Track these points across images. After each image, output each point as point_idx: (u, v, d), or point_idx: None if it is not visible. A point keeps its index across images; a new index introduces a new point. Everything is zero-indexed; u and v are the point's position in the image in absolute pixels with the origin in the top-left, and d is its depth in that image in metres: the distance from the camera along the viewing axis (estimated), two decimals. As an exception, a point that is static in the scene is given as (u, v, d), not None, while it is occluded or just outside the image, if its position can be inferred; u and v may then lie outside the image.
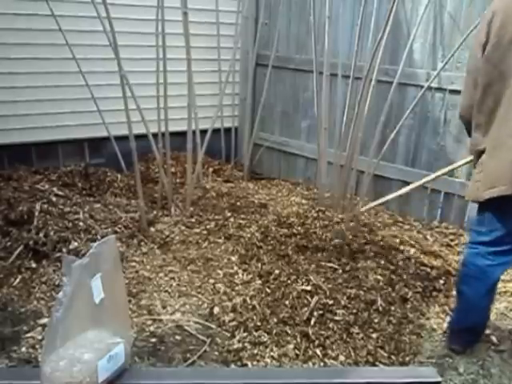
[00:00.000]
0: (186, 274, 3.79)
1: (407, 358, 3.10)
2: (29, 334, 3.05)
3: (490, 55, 2.68)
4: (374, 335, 3.21)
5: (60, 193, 4.57)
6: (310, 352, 3.06)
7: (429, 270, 3.96)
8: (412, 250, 4.24)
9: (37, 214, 4.07)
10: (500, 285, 3.56)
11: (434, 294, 3.72)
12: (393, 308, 3.48)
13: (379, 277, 3.76)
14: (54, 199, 4.40)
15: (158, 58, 4.52)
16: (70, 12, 4.86)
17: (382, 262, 3.96)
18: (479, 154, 2.86)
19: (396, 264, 3.98)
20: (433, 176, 4.20)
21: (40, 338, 3.00)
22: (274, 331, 3.19)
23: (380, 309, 3.43)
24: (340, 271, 3.79)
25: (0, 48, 4.80)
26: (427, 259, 4.14)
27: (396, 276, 3.81)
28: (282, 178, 6.10)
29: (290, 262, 3.88)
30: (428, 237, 4.60)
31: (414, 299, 3.62)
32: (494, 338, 3.30)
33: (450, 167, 4.10)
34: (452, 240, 4.55)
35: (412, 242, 4.39)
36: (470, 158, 3.24)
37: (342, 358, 3.04)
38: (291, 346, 3.09)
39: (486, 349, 3.21)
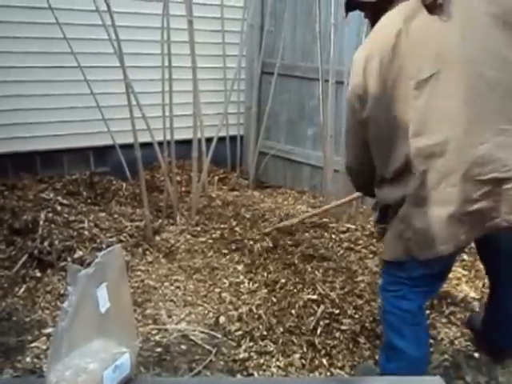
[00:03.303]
0: (192, 284, 3.78)
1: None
2: (33, 344, 3.03)
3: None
4: (381, 345, 3.19)
5: (65, 201, 4.57)
6: (317, 361, 3.04)
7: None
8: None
9: (41, 222, 4.06)
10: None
11: (441, 304, 3.70)
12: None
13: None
14: (58, 208, 4.39)
15: (163, 66, 4.51)
16: (75, 20, 4.85)
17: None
18: (394, 206, 2.44)
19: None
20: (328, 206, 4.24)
21: (45, 347, 2.98)
22: (280, 341, 3.17)
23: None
24: (347, 280, 3.77)
25: (4, 56, 4.80)
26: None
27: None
28: (288, 186, 6.07)
29: (296, 271, 3.85)
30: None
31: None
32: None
33: (338, 202, 4.16)
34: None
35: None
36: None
37: (348, 367, 3.02)
38: (297, 356, 3.06)
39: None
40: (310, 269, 3.88)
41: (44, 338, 3.08)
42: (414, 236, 2.36)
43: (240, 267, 3.96)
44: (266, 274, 3.84)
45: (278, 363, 3.01)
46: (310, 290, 3.60)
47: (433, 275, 2.50)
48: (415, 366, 2.52)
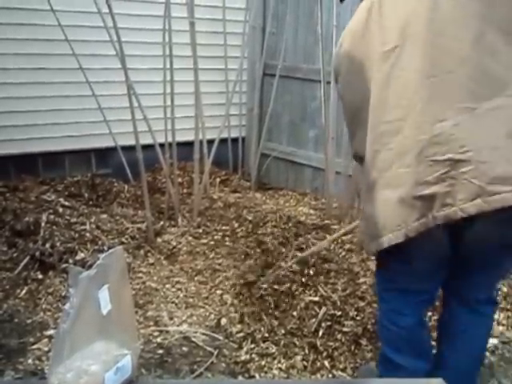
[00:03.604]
0: (193, 285, 3.78)
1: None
2: (35, 346, 3.03)
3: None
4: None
5: (66, 203, 4.56)
6: (318, 363, 3.04)
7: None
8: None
9: (43, 224, 4.06)
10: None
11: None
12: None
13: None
14: (60, 210, 4.39)
15: (164, 67, 4.52)
16: (76, 22, 4.86)
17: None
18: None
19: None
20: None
21: (46, 349, 2.98)
22: (282, 342, 3.16)
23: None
24: (348, 282, 3.76)
25: (7, 58, 4.81)
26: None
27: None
28: (290, 188, 6.06)
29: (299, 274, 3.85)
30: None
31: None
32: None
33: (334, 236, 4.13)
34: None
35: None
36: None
37: (350, 369, 3.02)
38: (299, 358, 3.06)
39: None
40: (311, 271, 3.87)
41: (46, 340, 3.08)
42: (364, 225, 2.30)
43: (242, 269, 3.96)
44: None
45: (279, 365, 3.01)
46: (311, 292, 3.60)
47: (415, 272, 2.31)
48: (417, 375, 2.33)
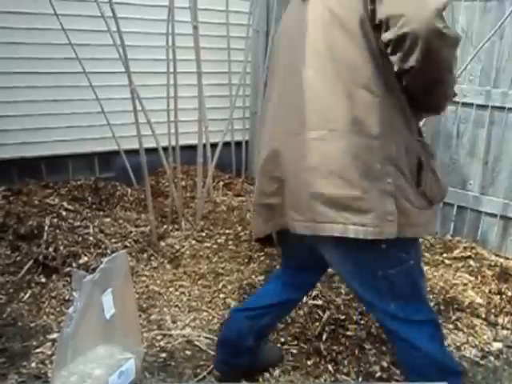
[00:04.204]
0: (197, 289, 3.77)
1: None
2: (38, 350, 3.02)
3: None
4: (387, 351, 3.17)
5: (70, 207, 4.57)
6: (322, 367, 3.02)
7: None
8: (425, 268, 4.21)
9: (46, 228, 4.06)
10: None
11: (448, 310, 3.68)
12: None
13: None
14: (63, 213, 4.39)
15: (168, 71, 4.51)
16: (80, 26, 4.86)
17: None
18: None
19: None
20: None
21: (50, 353, 2.98)
22: (285, 346, 3.16)
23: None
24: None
25: (10, 62, 4.81)
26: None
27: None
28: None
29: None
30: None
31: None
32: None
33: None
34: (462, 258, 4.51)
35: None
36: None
37: (353, 373, 3.01)
38: (302, 361, 3.05)
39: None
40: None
41: (49, 344, 3.08)
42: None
43: (245, 272, 3.95)
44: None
45: (282, 369, 3.00)
46: (315, 296, 3.59)
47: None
48: None
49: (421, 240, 4.55)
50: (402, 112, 2.06)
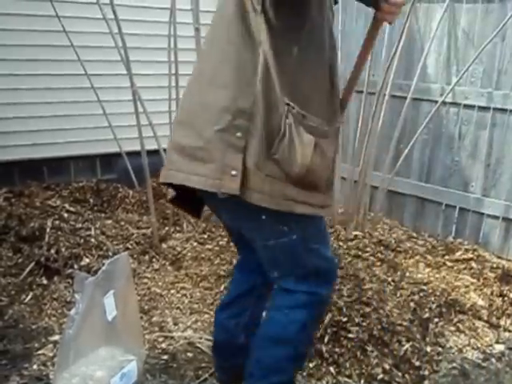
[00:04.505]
0: (198, 291, 3.77)
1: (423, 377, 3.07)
2: (40, 351, 3.02)
3: None
4: (389, 353, 3.16)
5: (71, 209, 4.57)
6: (324, 369, 3.02)
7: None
8: (427, 270, 4.22)
9: (48, 230, 4.06)
10: None
11: (449, 312, 3.68)
12: (405, 323, 3.43)
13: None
14: (65, 215, 4.39)
15: (170, 73, 4.51)
16: (82, 28, 4.86)
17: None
18: None
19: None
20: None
21: (52, 355, 2.97)
22: (288, 349, 3.15)
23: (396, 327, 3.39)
24: (354, 288, 3.75)
25: (11, 64, 4.82)
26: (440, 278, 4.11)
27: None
28: (295, 193, 6.03)
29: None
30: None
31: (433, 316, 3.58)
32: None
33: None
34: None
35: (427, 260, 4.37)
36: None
37: (355, 376, 3.00)
38: (305, 364, 3.05)
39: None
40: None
41: (51, 346, 3.07)
42: None
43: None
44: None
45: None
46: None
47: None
48: None
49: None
50: (266, 67, 1.97)
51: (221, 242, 4.44)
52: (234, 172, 1.95)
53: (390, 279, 3.91)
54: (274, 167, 1.99)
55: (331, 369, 3.03)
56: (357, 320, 3.37)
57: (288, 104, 1.97)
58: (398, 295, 3.73)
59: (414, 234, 4.95)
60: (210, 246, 4.38)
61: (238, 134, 1.96)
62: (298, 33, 1.98)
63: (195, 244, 4.41)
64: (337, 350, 3.15)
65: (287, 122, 1.96)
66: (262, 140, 1.96)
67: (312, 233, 2.26)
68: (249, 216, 2.12)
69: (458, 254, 4.51)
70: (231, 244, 4.38)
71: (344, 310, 3.45)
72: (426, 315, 3.57)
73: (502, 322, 3.61)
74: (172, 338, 3.25)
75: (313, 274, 2.27)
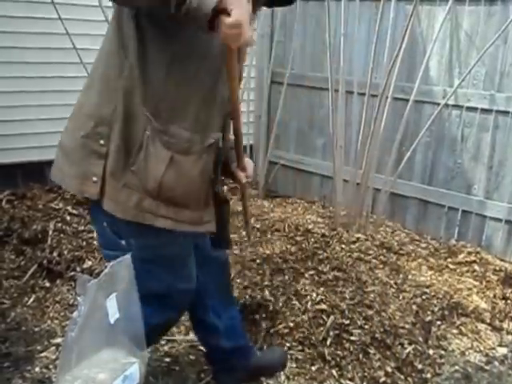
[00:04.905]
0: (201, 293, 3.76)
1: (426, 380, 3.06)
2: (43, 354, 3.03)
3: None
4: (391, 356, 3.16)
5: (74, 211, 4.57)
6: (326, 372, 3.03)
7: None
8: (430, 273, 4.21)
9: (51, 232, 4.07)
10: None
11: (452, 315, 3.67)
12: (408, 326, 3.43)
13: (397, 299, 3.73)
14: (68, 218, 4.40)
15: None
16: (83, 31, 4.86)
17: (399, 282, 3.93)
18: None
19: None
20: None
21: (54, 357, 2.98)
22: (290, 351, 3.15)
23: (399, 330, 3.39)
24: (356, 291, 3.75)
25: (13, 67, 4.82)
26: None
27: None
28: (298, 196, 6.04)
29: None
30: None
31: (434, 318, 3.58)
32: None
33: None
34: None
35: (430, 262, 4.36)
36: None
37: (358, 379, 3.00)
38: (307, 366, 3.05)
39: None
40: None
41: (53, 348, 3.08)
42: None
43: (249, 278, 3.95)
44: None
45: (287, 373, 3.00)
46: (319, 301, 3.58)
47: None
48: None
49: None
50: (131, 76, 1.95)
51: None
52: (94, 178, 1.99)
53: (392, 282, 3.91)
54: (133, 178, 1.99)
55: (333, 372, 3.03)
56: (359, 323, 3.38)
57: (146, 115, 1.96)
58: (401, 298, 3.73)
59: (417, 237, 4.95)
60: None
61: (101, 142, 1.98)
62: (171, 43, 1.93)
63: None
64: (339, 352, 3.16)
65: (146, 135, 1.96)
66: (119, 150, 1.97)
67: (158, 255, 2.18)
68: (98, 222, 2.17)
69: (461, 256, 4.51)
70: (234, 247, 4.39)
71: (346, 312, 3.45)
72: (429, 318, 3.57)
73: (504, 325, 3.61)
74: (174, 340, 3.25)
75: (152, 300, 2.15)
